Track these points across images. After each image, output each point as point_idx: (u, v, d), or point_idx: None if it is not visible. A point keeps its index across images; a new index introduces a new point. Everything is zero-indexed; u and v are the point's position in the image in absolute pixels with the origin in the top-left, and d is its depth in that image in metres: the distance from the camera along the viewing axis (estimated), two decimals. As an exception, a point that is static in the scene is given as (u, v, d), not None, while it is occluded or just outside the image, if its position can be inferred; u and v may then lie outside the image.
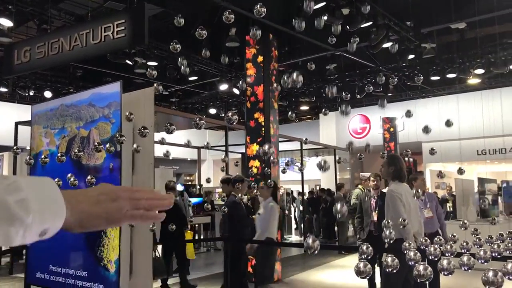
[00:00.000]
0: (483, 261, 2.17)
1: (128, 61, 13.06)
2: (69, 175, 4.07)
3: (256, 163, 8.83)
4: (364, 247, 2.25)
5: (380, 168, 4.92)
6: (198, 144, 14.78)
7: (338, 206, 2.33)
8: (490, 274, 1.56)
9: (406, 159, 19.27)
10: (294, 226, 18.90)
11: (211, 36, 12.28)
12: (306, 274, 8.88)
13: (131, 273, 4.21)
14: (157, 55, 13.30)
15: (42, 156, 4.58)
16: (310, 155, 22.48)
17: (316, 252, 1.90)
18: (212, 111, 18.42)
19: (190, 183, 20.63)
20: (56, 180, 3.21)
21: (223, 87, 15.29)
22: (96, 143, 3.87)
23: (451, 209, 13.54)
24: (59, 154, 4.24)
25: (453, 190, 13.60)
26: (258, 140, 8.81)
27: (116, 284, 4.00)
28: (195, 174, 20.75)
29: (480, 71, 14.41)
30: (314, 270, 9.23)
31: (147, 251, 4.21)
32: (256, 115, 8.98)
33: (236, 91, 15.56)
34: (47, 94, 14.07)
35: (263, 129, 8.84)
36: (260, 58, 9.26)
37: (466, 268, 1.91)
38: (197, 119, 2.67)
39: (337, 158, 14.66)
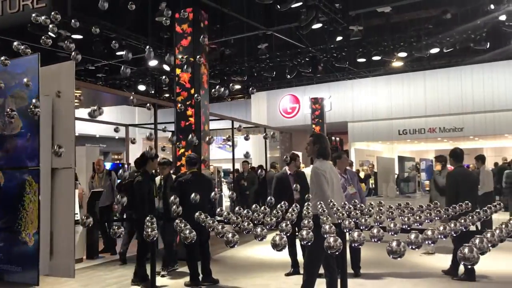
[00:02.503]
0: (392, 233, 2.31)
1: (50, 33, 12.34)
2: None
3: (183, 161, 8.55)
4: (284, 225, 2.33)
5: (305, 146, 5.05)
6: (127, 121, 14.35)
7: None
8: (394, 244, 1.67)
9: (333, 138, 19.96)
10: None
11: (140, 10, 11.89)
12: (236, 250, 9.01)
13: (52, 253, 4.08)
14: (82, 28, 12.69)
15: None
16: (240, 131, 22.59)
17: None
18: (141, 87, 17.94)
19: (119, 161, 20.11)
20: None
21: (153, 63, 14.92)
22: (8, 109, 3.63)
23: (373, 186, 14.22)
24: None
25: (375, 168, 14.26)
26: (190, 135, 8.43)
27: (35, 262, 3.86)
28: (124, 153, 20.25)
29: (403, 54, 15.09)
30: (243, 246, 9.39)
31: (69, 231, 4.08)
32: (188, 113, 8.57)
33: (166, 67, 15.25)
34: (-41, 66, 13.04)
35: (193, 127, 8.50)
36: (192, 58, 8.60)
37: (376, 240, 2.04)
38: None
39: (263, 134, 14.93)
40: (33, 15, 2.66)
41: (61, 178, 4.11)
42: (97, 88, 12.99)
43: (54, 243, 4.07)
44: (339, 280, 4.70)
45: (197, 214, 2.38)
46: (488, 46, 14.18)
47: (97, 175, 9.19)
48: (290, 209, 3.27)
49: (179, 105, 8.38)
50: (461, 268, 6.44)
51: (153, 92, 18.65)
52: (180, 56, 8.58)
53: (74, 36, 12.96)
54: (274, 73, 17.24)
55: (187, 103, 8.49)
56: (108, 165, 13.05)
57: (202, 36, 6.72)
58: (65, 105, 4.18)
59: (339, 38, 13.98)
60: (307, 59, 16.38)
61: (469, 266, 1.54)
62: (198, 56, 7.86)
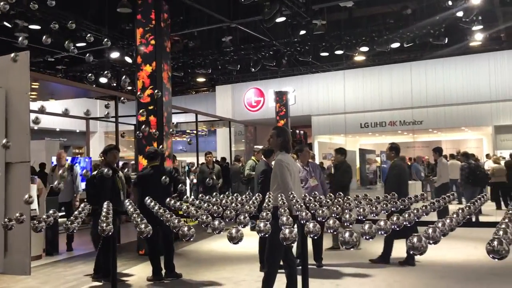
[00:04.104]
0: (348, 224, 2.36)
1: (6, 23, 11.95)
2: None
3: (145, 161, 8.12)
4: (242, 217, 2.34)
5: (268, 139, 5.09)
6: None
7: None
8: (347, 235, 1.70)
9: (297, 131, 20.12)
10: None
11: (102, 1, 11.62)
12: (200, 244, 9.00)
13: (6, 250, 3.95)
14: (40, 18, 12.31)
15: None
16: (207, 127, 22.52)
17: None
18: (103, 80, 17.55)
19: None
20: None
21: (114, 55, 14.63)
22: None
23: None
24: None
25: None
26: (154, 142, 8.14)
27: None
28: (84, 147, 19.85)
29: (365, 48, 15.32)
30: (207, 240, 9.38)
31: (24, 227, 3.96)
32: (151, 119, 8.15)
33: (128, 59, 14.99)
34: None
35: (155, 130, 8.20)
36: (152, 55, 8.36)
37: (331, 231, 2.07)
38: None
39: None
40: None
41: (16, 173, 3.99)
42: (56, 81, 12.64)
43: (8, 240, 3.95)
44: (299, 272, 4.75)
45: (151, 204, 2.35)
46: (446, 41, 14.59)
47: (58, 168, 8.96)
48: (250, 202, 3.29)
49: (138, 93, 8.23)
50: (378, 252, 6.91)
51: (114, 85, 18.29)
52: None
53: (31, 27, 12.57)
54: (239, 66, 17.20)
55: (150, 108, 8.24)
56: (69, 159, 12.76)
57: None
58: (19, 97, 4.05)
59: (302, 32, 14.07)
60: (271, 52, 16.42)
61: (418, 255, 1.59)
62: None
